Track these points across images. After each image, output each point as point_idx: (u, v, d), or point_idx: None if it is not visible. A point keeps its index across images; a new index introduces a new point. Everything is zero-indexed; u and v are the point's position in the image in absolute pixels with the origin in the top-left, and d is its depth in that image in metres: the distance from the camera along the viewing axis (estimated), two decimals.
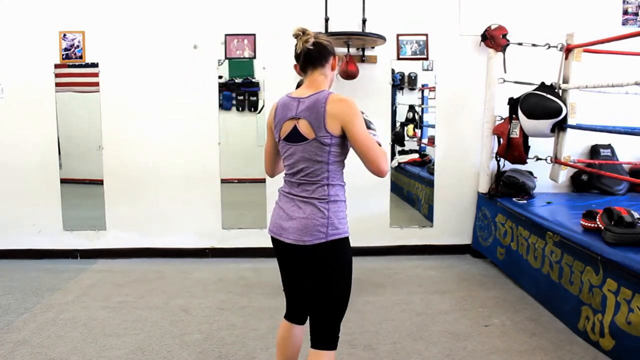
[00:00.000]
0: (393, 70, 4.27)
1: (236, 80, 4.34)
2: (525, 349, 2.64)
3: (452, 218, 4.39)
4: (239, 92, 4.37)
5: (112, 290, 3.55)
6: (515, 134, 3.88)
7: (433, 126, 4.43)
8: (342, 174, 1.86)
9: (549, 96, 3.62)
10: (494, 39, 4.02)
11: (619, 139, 4.15)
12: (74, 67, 4.18)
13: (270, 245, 1.94)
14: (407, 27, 4.19)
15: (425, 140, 4.89)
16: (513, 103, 3.90)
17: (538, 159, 3.95)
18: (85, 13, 4.13)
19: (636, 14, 4.23)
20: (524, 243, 3.48)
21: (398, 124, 4.76)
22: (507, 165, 4.11)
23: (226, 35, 4.15)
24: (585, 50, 3.65)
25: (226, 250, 4.34)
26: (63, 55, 4.15)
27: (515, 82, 3.98)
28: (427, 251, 4.37)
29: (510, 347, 2.66)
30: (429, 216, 4.46)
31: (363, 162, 1.78)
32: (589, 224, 2.87)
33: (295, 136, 1.78)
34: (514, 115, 3.89)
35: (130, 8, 4.14)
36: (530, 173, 4.08)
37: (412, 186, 4.84)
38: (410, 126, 4.86)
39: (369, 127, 1.83)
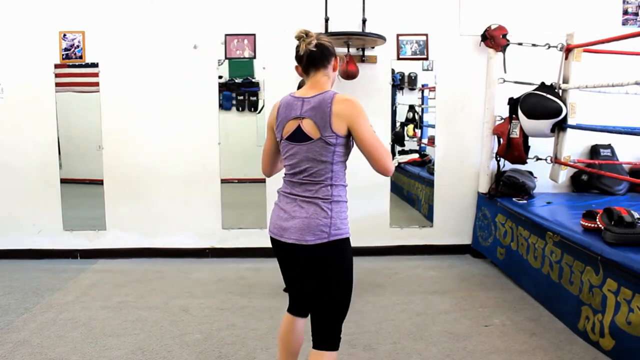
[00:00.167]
0: (393, 70, 4.27)
1: (236, 80, 4.34)
2: (525, 349, 2.64)
3: (452, 218, 4.39)
4: (239, 92, 4.37)
5: (112, 290, 3.55)
6: (515, 134, 3.88)
7: (433, 126, 4.43)
8: (345, 174, 1.87)
9: (549, 96, 3.62)
10: (494, 39, 4.02)
11: (619, 139, 4.15)
12: (74, 67, 4.18)
13: (270, 245, 1.94)
14: (407, 27, 4.19)
15: (425, 140, 4.89)
16: (513, 103, 3.90)
17: (538, 159, 3.95)
18: (85, 13, 4.13)
19: (636, 14, 4.23)
20: (524, 243, 3.48)
21: (398, 124, 4.77)
22: (507, 165, 4.11)
23: (226, 35, 4.15)
24: (585, 50, 3.65)
25: (226, 250, 4.34)
26: (63, 55, 4.15)
27: (515, 82, 3.98)
28: (427, 251, 4.37)
29: (510, 347, 2.66)
30: (429, 216, 4.46)
31: (369, 161, 1.79)
32: (589, 224, 2.87)
33: (298, 136, 1.78)
34: (514, 115, 3.89)
35: (130, 8, 4.14)
36: (530, 173, 4.08)
37: (412, 186, 4.84)
38: (410, 126, 4.86)
39: None
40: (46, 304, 3.29)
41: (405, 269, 3.99)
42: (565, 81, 3.70)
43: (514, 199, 3.88)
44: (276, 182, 1.99)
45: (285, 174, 1.89)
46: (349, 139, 1.80)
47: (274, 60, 4.17)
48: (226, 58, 4.20)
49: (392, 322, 3.00)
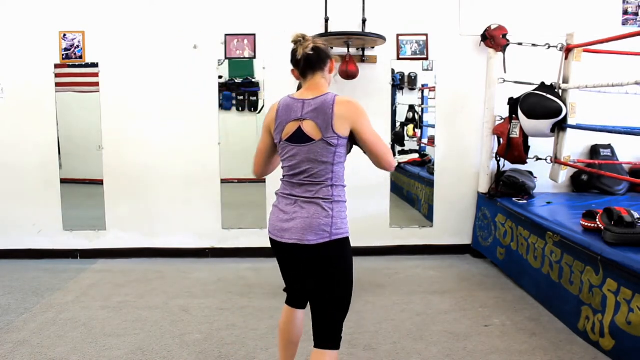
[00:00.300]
0: (393, 70, 4.27)
1: (236, 80, 4.34)
2: (525, 349, 2.64)
3: (452, 218, 4.39)
4: (239, 92, 4.37)
5: (112, 290, 3.55)
6: (515, 134, 3.88)
7: (433, 126, 4.43)
8: (344, 175, 1.89)
9: (549, 96, 3.62)
10: (494, 39, 4.02)
11: (619, 139, 4.15)
12: (74, 67, 4.18)
13: (270, 245, 1.95)
14: (407, 27, 4.19)
15: (425, 140, 4.89)
16: (513, 103, 3.90)
17: (538, 159, 3.95)
18: (85, 13, 4.13)
19: (636, 14, 4.23)
20: (524, 243, 3.48)
21: (398, 124, 4.77)
22: (507, 165, 4.10)
23: (226, 35, 4.15)
24: (585, 50, 3.65)
25: (226, 250, 4.34)
26: (63, 55, 4.15)
27: (515, 82, 3.98)
28: (427, 251, 4.37)
29: (510, 347, 2.66)
30: (429, 216, 4.46)
31: (372, 159, 1.87)
32: (589, 224, 2.87)
33: (299, 137, 1.79)
34: (514, 115, 3.89)
35: (130, 8, 4.14)
36: (530, 173, 4.08)
37: (412, 186, 4.84)
38: (410, 126, 4.86)
39: None
40: (46, 304, 3.29)
41: (405, 269, 3.99)
42: (565, 81, 3.70)
43: (514, 199, 3.88)
44: (277, 181, 1.99)
45: (284, 176, 1.89)
46: (349, 139, 1.82)
47: (274, 60, 4.17)
48: (226, 58, 4.20)
49: (392, 322, 3.00)
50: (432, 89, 4.41)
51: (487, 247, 4.11)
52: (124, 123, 4.21)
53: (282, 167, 1.89)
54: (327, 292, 1.81)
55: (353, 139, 1.86)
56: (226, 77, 4.30)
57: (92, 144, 4.24)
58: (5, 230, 4.30)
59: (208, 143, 4.23)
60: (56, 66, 4.16)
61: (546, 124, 3.64)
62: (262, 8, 4.15)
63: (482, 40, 4.11)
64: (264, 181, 4.12)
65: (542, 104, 3.62)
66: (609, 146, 4.30)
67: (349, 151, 1.90)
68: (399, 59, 4.23)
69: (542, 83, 3.74)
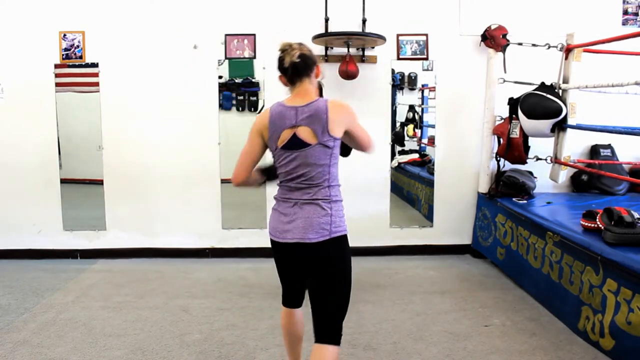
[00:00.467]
0: (393, 70, 4.27)
1: (236, 80, 4.34)
2: (525, 349, 2.64)
3: (452, 218, 4.39)
4: (239, 92, 4.37)
5: (112, 290, 3.55)
6: (515, 134, 3.88)
7: (433, 126, 4.43)
8: (338, 175, 1.95)
9: (549, 96, 3.62)
10: (494, 39, 4.02)
11: (619, 139, 4.15)
12: (74, 67, 4.18)
13: (270, 245, 1.97)
14: (407, 27, 4.19)
15: (425, 140, 4.89)
16: (513, 103, 3.90)
17: (538, 159, 3.95)
18: (85, 13, 4.13)
19: (636, 14, 4.23)
20: (524, 243, 3.48)
21: (398, 124, 4.77)
22: (507, 165, 4.10)
23: (226, 35, 4.15)
24: (585, 50, 3.65)
25: (226, 250, 4.34)
26: (63, 55, 4.15)
27: (515, 82, 3.98)
28: (427, 251, 4.37)
29: (510, 347, 2.66)
30: (429, 216, 4.46)
31: (357, 147, 2.02)
32: (589, 224, 2.87)
33: (295, 143, 1.85)
34: (514, 115, 3.89)
35: (130, 8, 4.14)
36: (530, 173, 4.08)
37: (412, 186, 4.84)
38: (410, 126, 4.86)
39: None
40: (46, 304, 3.29)
41: (405, 269, 3.99)
42: (565, 81, 3.70)
43: (514, 199, 3.88)
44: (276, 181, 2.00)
45: (280, 181, 1.94)
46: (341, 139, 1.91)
47: (274, 60, 4.14)
48: (226, 58, 4.20)
49: (392, 322, 3.00)
50: (432, 89, 4.41)
51: (487, 247, 4.11)
52: (124, 123, 4.21)
53: (278, 173, 1.94)
54: (327, 291, 1.87)
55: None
56: (226, 77, 4.30)
57: (92, 144, 4.24)
58: (5, 230, 4.30)
59: (208, 143, 4.23)
60: (56, 66, 4.16)
61: (546, 124, 3.64)
62: (262, 8, 4.15)
63: (482, 40, 4.11)
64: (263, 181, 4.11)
65: (542, 104, 3.62)
66: (609, 146, 4.30)
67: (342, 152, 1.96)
68: (399, 59, 4.23)
69: (542, 83, 3.74)
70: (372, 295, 3.43)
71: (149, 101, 4.21)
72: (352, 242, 1.89)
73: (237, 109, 4.40)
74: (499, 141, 4.05)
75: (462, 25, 4.21)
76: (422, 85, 4.72)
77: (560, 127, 3.68)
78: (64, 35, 4.14)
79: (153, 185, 4.27)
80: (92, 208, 4.32)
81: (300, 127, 1.84)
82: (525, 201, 3.81)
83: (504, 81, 4.03)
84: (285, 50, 1.91)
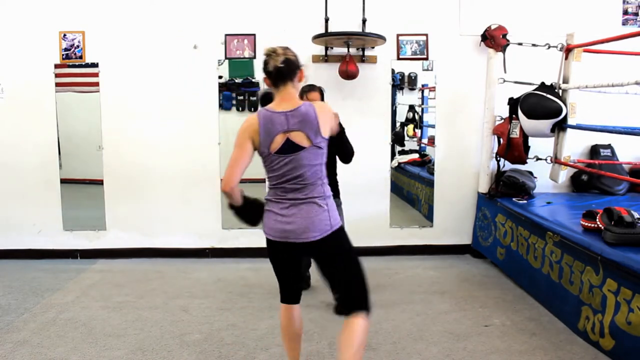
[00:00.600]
0: (393, 70, 4.27)
1: (236, 80, 4.34)
2: (525, 349, 2.64)
3: (452, 218, 4.39)
4: (239, 92, 4.37)
5: (112, 290, 3.55)
6: (515, 134, 3.88)
7: (433, 126, 4.43)
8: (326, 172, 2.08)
9: (549, 96, 3.62)
10: (494, 39, 4.02)
11: (619, 139, 4.15)
12: (74, 67, 4.18)
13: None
14: (407, 27, 4.19)
15: (425, 140, 4.89)
16: (513, 103, 3.90)
17: (538, 159, 3.95)
18: (85, 13, 4.13)
19: (636, 14, 4.23)
20: (524, 243, 3.48)
21: (398, 124, 4.77)
22: (507, 165, 4.10)
23: (226, 35, 4.15)
24: (585, 50, 3.65)
25: (226, 250, 4.34)
26: (63, 55, 4.15)
27: (515, 82, 3.98)
28: (427, 251, 4.37)
29: (510, 347, 2.66)
30: (429, 216, 4.46)
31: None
32: (589, 224, 2.87)
33: (289, 147, 1.94)
34: (514, 115, 3.89)
35: (130, 8, 4.14)
36: (530, 173, 4.08)
37: (412, 186, 4.84)
38: (410, 126, 4.86)
39: None
40: (46, 304, 3.29)
41: (405, 269, 3.98)
42: (565, 81, 3.70)
43: (514, 199, 3.88)
44: None
45: (274, 184, 2.00)
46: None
47: None
48: (226, 58, 4.20)
49: (392, 322, 3.00)
50: (432, 89, 4.41)
51: (487, 247, 4.11)
52: (124, 123, 4.21)
53: (269, 177, 2.01)
54: (345, 271, 2.01)
55: None
56: (226, 77, 4.30)
57: (92, 144, 4.24)
58: (5, 230, 4.30)
59: (208, 143, 4.23)
60: (56, 66, 4.16)
61: (546, 124, 3.64)
62: (262, 8, 4.15)
63: (482, 40, 4.11)
64: (263, 181, 4.10)
65: (542, 104, 3.62)
66: (609, 146, 4.29)
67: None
68: (399, 59, 4.23)
69: (542, 83, 3.74)
70: (372, 295, 3.41)
71: (149, 101, 4.21)
72: (352, 242, 1.91)
73: (237, 109, 4.40)
74: (499, 141, 4.05)
75: (462, 25, 4.21)
76: (422, 85, 4.72)
77: (560, 127, 3.68)
78: (64, 35, 4.14)
79: (153, 185, 4.27)
80: (92, 208, 4.32)
81: (293, 132, 1.93)
82: (525, 201, 3.81)
83: (504, 81, 4.03)
84: (269, 55, 1.99)
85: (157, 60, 4.17)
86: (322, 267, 2.04)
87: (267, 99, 2.08)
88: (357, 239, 2.82)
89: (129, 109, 4.21)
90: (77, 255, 4.33)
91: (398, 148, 4.86)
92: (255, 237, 4.27)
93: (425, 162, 4.77)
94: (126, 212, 4.29)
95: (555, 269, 3.04)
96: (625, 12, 4.23)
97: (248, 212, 2.10)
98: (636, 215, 2.65)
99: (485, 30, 4.06)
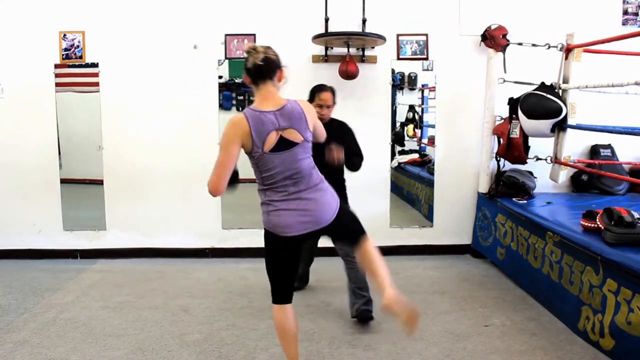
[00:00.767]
0: (393, 70, 4.27)
1: (236, 80, 4.34)
2: (525, 349, 2.64)
3: (452, 218, 4.39)
4: (239, 92, 4.37)
5: (112, 290, 3.55)
6: (515, 134, 3.88)
7: (433, 126, 4.43)
8: None
9: (549, 96, 3.62)
10: (494, 39, 4.02)
11: (619, 139, 4.15)
12: (74, 67, 4.18)
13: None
14: (407, 27, 4.19)
15: (425, 140, 4.89)
16: (513, 103, 3.90)
17: (538, 159, 3.95)
18: (85, 13, 4.13)
19: (636, 14, 4.23)
20: (524, 243, 3.48)
21: (398, 124, 4.77)
22: (507, 165, 4.10)
23: (226, 35, 4.15)
24: (585, 50, 3.65)
25: (226, 250, 4.34)
26: (63, 55, 4.15)
27: (515, 82, 3.98)
28: (427, 251, 4.37)
29: (510, 347, 2.66)
30: (429, 216, 4.46)
31: (317, 139, 2.21)
32: (589, 224, 2.87)
33: (282, 145, 1.99)
34: (514, 115, 3.89)
35: (130, 8, 4.14)
36: (530, 173, 4.08)
37: (412, 186, 4.84)
38: (410, 126, 4.86)
39: None
40: (46, 304, 3.29)
41: (405, 269, 3.98)
42: (565, 81, 3.70)
43: (514, 199, 3.87)
44: None
45: (270, 183, 2.03)
46: None
47: None
48: (226, 58, 4.20)
49: (392, 322, 2.98)
50: (432, 89, 4.41)
51: (487, 247, 4.11)
52: (124, 123, 4.21)
53: (264, 177, 2.03)
54: (350, 224, 2.19)
55: None
56: (226, 77, 4.30)
57: (92, 144, 4.24)
58: (6, 230, 4.30)
59: (208, 143, 4.21)
60: (56, 66, 4.16)
61: (546, 124, 3.64)
62: (262, 8, 4.15)
63: (482, 40, 4.11)
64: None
65: (542, 104, 3.62)
66: (609, 146, 4.29)
67: None
68: (399, 59, 4.23)
69: (542, 83, 3.74)
70: (372, 295, 3.42)
71: (149, 101, 4.21)
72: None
73: (237, 109, 4.40)
74: (499, 141, 4.05)
75: (462, 25, 4.21)
76: (422, 85, 4.72)
77: (560, 127, 3.68)
78: (64, 35, 4.14)
79: (153, 185, 4.27)
80: (92, 208, 4.32)
81: (285, 129, 1.98)
82: (525, 201, 3.81)
83: (504, 81, 4.03)
84: (249, 52, 2.02)
85: (157, 60, 4.17)
86: (336, 236, 2.23)
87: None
88: None
89: (129, 109, 4.21)
90: (77, 255, 4.33)
91: (398, 148, 4.86)
92: (255, 237, 4.27)
93: (425, 162, 4.77)
94: (126, 212, 4.29)
95: (555, 269, 3.04)
96: (625, 12, 4.23)
97: (236, 180, 2.19)
98: (636, 215, 2.65)
99: (485, 30, 4.06)
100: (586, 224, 2.90)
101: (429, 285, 3.64)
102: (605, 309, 2.52)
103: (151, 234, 4.32)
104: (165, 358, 2.58)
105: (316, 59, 4.15)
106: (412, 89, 4.71)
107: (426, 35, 4.20)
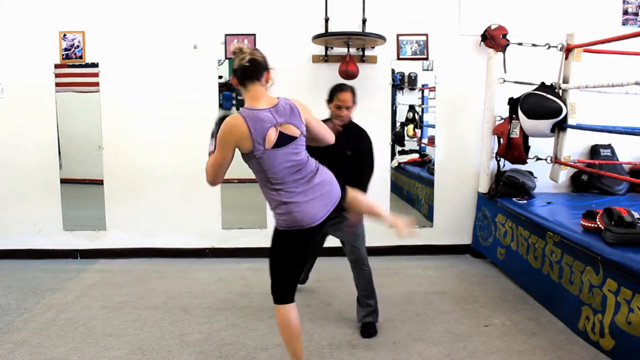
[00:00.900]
0: (393, 70, 4.27)
1: None
2: (525, 349, 2.64)
3: (452, 218, 4.39)
4: (239, 92, 4.36)
5: (112, 290, 3.55)
6: (515, 134, 3.88)
7: (433, 126, 4.43)
8: None
9: (549, 96, 3.62)
10: (494, 39, 4.02)
11: (619, 139, 4.15)
12: (74, 67, 4.18)
13: (270, 245, 2.03)
14: (407, 27, 4.19)
15: (425, 140, 4.89)
16: (513, 103, 3.90)
17: (538, 159, 3.95)
18: (85, 13, 4.13)
19: (636, 14, 4.23)
20: (524, 243, 3.48)
21: (398, 124, 4.76)
22: (507, 165, 4.10)
23: (226, 35, 4.15)
24: (585, 50, 3.65)
25: (226, 250, 4.34)
26: (63, 55, 4.15)
27: (515, 82, 3.98)
28: (427, 251, 4.37)
29: (510, 347, 2.66)
30: (429, 216, 4.46)
31: (318, 139, 2.23)
32: (589, 224, 2.87)
33: (283, 140, 2.02)
34: (514, 115, 3.89)
35: (130, 8, 4.14)
36: (530, 173, 4.08)
37: (412, 186, 4.84)
38: (410, 126, 4.86)
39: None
40: (46, 304, 3.29)
41: (405, 269, 3.98)
42: (565, 81, 3.70)
43: (514, 199, 3.87)
44: None
45: (278, 181, 2.06)
46: None
47: (273, 60, 4.14)
48: (226, 58, 4.20)
49: (392, 322, 3.00)
50: (432, 89, 4.41)
51: (487, 247, 4.11)
52: (124, 123, 4.21)
53: (270, 177, 2.06)
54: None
55: None
56: (226, 77, 4.30)
57: (92, 144, 4.24)
58: (6, 230, 4.30)
59: (208, 143, 4.22)
60: (56, 66, 4.16)
61: (546, 124, 3.64)
62: (262, 8, 4.15)
63: (482, 40, 4.11)
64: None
65: (542, 104, 3.62)
66: (609, 146, 4.29)
67: None
68: (399, 59, 4.23)
69: (542, 83, 3.74)
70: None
71: (149, 101, 4.21)
72: None
73: (237, 109, 4.38)
74: (499, 141, 4.05)
75: (462, 25, 4.21)
76: (422, 85, 4.72)
77: (560, 127, 3.68)
78: (64, 35, 4.14)
79: (153, 185, 4.27)
80: (92, 208, 4.32)
81: (283, 125, 2.02)
82: (525, 201, 3.81)
83: (504, 81, 4.03)
84: (236, 53, 2.06)
85: (157, 60, 4.17)
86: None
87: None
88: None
89: (129, 109, 4.21)
90: (77, 255, 4.33)
91: (398, 148, 4.85)
92: (255, 237, 4.30)
93: (425, 162, 4.76)
94: (126, 212, 4.29)
95: (555, 269, 3.04)
96: (625, 12, 4.23)
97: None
98: (636, 215, 2.65)
99: (485, 30, 4.06)
100: (586, 224, 2.90)
101: (429, 285, 3.64)
102: (605, 309, 2.52)
103: (151, 234, 4.32)
104: (165, 358, 2.58)
105: (316, 59, 4.15)
106: (412, 89, 4.70)
107: (426, 35, 4.20)
